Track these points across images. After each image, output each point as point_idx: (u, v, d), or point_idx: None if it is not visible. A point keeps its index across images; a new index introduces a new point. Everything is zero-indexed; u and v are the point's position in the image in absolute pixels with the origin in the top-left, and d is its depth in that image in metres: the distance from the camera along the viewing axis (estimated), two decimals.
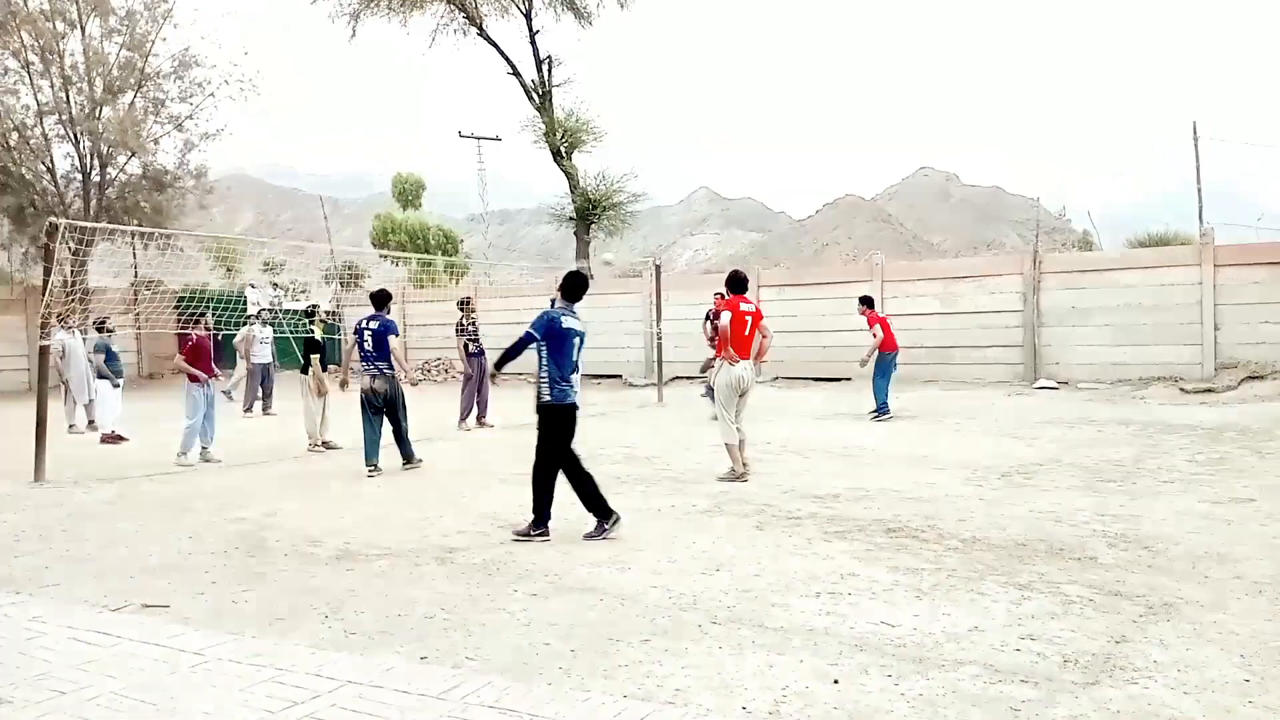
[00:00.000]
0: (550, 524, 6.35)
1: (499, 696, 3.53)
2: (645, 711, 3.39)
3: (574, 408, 6.42)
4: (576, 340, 6.43)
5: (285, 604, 4.97)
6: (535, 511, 6.34)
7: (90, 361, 13.31)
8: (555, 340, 6.34)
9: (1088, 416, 12.30)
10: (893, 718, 3.38)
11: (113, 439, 12.23)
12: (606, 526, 6.27)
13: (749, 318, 8.55)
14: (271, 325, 16.92)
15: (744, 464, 8.38)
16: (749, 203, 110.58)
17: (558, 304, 6.59)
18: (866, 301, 13.68)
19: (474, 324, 13.43)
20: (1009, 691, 3.57)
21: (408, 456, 9.50)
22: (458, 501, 7.71)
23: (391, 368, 9.36)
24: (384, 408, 9.34)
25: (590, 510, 6.34)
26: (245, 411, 15.75)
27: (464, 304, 13.59)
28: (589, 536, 6.24)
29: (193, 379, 10.15)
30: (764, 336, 8.73)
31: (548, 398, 6.36)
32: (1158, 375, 15.29)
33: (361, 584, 5.32)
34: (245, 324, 16.12)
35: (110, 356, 12.71)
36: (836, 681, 3.71)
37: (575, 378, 6.48)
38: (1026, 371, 16.51)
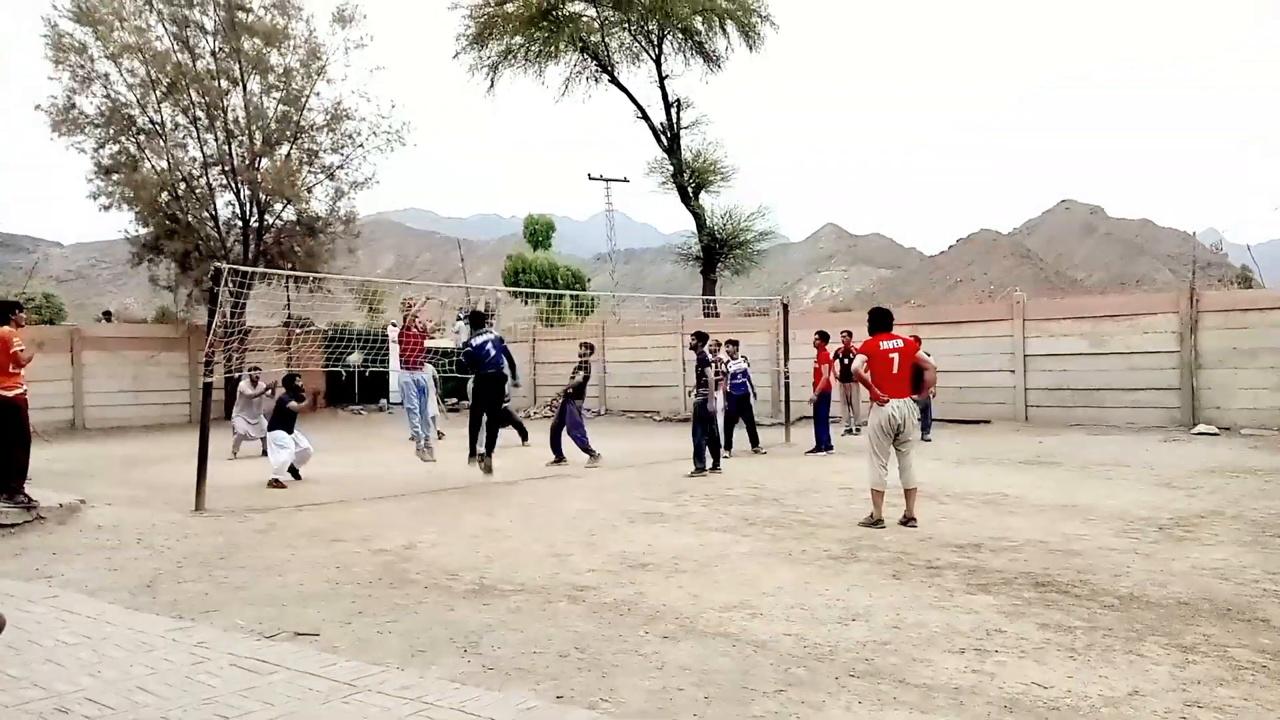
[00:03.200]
0: (487, 451, 11.09)
1: None
2: None
3: (487, 377, 11.20)
4: (490, 345, 11.26)
5: (426, 636, 5.12)
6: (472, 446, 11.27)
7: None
8: (477, 353, 11.25)
9: (1252, 465, 11.44)
10: None
11: (277, 484, 12.93)
12: (474, 456, 11.15)
13: (895, 355, 8.22)
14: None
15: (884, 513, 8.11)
16: (878, 239, 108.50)
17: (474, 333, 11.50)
18: None
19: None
20: None
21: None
22: (588, 540, 7.79)
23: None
24: (712, 415, 12.73)
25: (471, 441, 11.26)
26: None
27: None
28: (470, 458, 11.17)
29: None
30: (925, 369, 8.53)
31: (478, 374, 11.34)
32: None
33: (497, 619, 5.43)
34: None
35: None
36: None
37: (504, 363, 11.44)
38: (1184, 415, 15.49)
